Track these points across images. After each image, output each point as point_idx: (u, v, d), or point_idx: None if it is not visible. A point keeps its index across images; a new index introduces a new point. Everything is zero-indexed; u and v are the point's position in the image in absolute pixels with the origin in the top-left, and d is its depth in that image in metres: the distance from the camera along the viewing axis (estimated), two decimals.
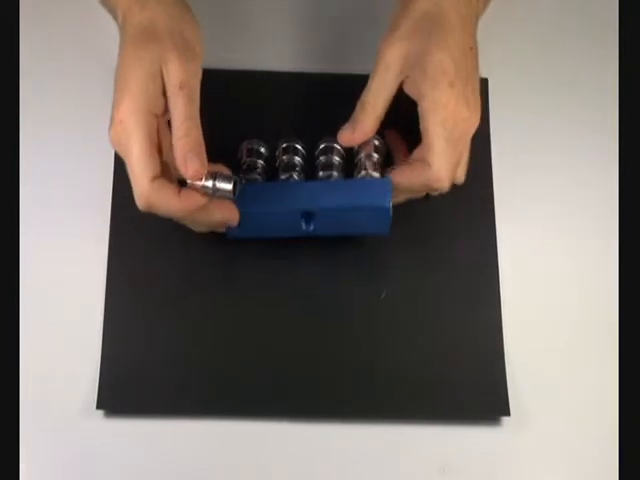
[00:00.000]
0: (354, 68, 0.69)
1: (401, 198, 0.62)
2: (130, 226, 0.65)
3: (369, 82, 0.61)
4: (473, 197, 0.66)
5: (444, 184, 0.60)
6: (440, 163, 0.59)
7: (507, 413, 0.62)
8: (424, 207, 0.64)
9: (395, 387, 0.62)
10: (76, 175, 0.67)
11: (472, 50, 0.61)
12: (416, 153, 0.60)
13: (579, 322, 0.65)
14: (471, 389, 0.62)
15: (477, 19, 0.62)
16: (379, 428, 0.62)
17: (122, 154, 0.56)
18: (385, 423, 0.62)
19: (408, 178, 0.60)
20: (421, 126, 0.59)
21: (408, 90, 0.60)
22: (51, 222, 0.66)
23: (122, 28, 0.58)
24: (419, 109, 0.59)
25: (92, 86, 0.67)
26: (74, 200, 0.66)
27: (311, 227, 0.60)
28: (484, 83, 0.69)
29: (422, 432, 0.62)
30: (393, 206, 0.60)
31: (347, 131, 0.61)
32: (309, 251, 0.65)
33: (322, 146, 0.63)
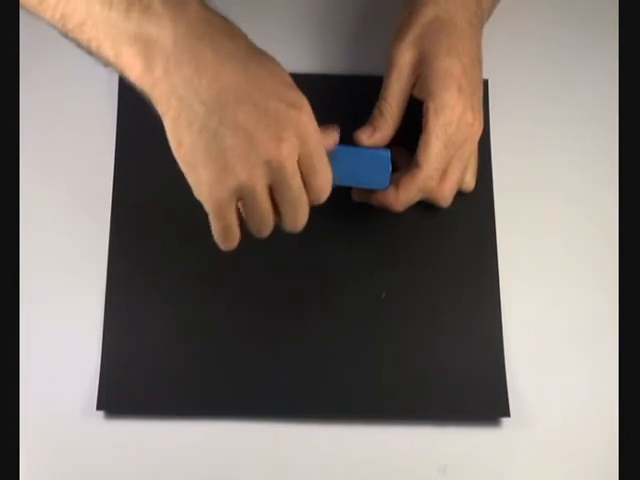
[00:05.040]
0: (360, 70, 0.69)
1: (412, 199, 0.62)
2: (130, 225, 0.65)
3: (383, 90, 0.62)
4: (473, 197, 0.66)
5: (434, 182, 0.61)
6: (431, 164, 0.59)
7: (507, 414, 0.62)
8: (424, 207, 0.64)
9: (395, 387, 0.62)
10: (76, 173, 0.67)
11: (479, 62, 0.61)
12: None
13: (579, 322, 0.65)
14: (471, 389, 0.62)
15: (482, 30, 0.63)
16: (379, 428, 0.62)
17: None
18: (385, 423, 0.62)
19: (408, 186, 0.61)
20: (423, 124, 0.59)
21: (416, 90, 0.61)
22: (51, 221, 0.66)
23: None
24: (424, 108, 0.60)
25: (92, 81, 0.67)
26: (74, 199, 0.66)
27: None
28: (484, 83, 0.69)
29: (422, 432, 0.62)
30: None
31: (366, 132, 0.61)
32: (309, 252, 0.65)
33: None
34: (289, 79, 0.53)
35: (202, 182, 0.51)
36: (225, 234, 0.54)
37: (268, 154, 0.50)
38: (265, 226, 0.55)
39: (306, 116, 0.52)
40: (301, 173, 0.53)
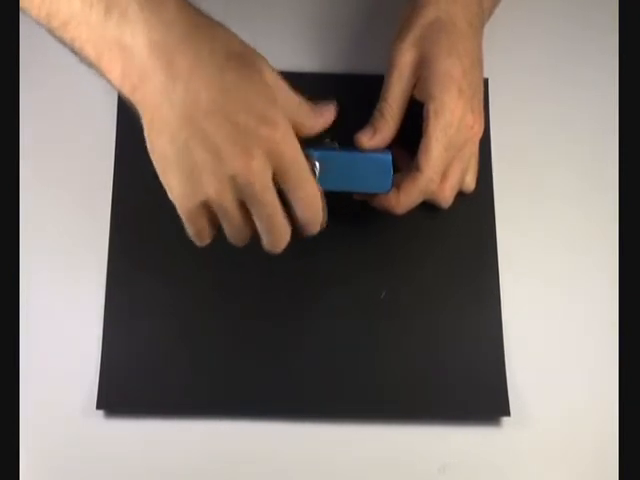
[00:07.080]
0: (360, 69, 0.69)
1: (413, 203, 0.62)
2: (130, 224, 0.65)
3: (384, 92, 0.62)
4: (473, 197, 0.66)
5: (435, 185, 0.61)
6: (431, 167, 0.59)
7: (507, 413, 0.62)
8: (424, 207, 0.64)
9: (395, 387, 0.62)
10: (76, 173, 0.67)
11: (480, 63, 0.61)
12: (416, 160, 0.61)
13: (580, 322, 0.65)
14: (471, 389, 0.62)
15: (483, 31, 0.63)
16: (379, 428, 0.62)
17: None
18: (385, 423, 0.62)
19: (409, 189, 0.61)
20: (423, 127, 0.59)
21: (416, 91, 0.61)
22: (51, 221, 0.66)
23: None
24: (425, 110, 0.59)
25: (93, 81, 0.67)
26: (74, 199, 0.66)
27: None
28: (484, 83, 0.69)
29: (422, 432, 0.62)
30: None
31: (367, 134, 0.61)
32: (309, 252, 0.65)
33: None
34: (270, 91, 0.51)
35: (172, 190, 0.51)
36: (197, 236, 0.55)
37: (234, 169, 0.50)
38: (239, 239, 0.55)
39: (279, 134, 0.50)
40: (282, 190, 0.52)
